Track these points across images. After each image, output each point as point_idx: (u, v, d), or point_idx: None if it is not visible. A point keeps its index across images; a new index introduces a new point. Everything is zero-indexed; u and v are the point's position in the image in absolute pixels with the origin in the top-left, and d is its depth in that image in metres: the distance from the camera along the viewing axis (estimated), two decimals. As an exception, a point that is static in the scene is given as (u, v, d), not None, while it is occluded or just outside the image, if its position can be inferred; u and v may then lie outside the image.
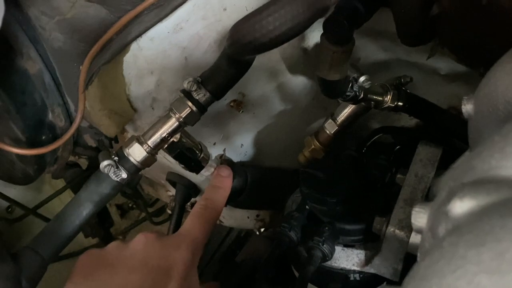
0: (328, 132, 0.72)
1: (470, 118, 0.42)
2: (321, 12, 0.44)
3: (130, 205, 1.14)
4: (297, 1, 0.41)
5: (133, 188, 0.95)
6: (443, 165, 0.56)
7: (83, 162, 0.93)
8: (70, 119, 0.63)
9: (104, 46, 0.54)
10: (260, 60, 0.53)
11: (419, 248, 0.33)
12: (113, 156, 0.53)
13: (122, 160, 0.53)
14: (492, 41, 0.42)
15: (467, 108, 0.41)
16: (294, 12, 0.42)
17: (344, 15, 0.49)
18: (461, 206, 0.24)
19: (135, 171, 0.53)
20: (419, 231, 0.32)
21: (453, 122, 0.67)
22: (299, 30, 0.44)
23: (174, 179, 0.74)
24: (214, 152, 0.74)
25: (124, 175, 0.53)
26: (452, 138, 0.68)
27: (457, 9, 0.42)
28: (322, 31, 0.52)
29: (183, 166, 0.58)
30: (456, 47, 0.49)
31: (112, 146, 0.74)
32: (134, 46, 0.56)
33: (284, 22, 0.42)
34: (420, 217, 0.31)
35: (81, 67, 0.55)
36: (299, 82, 0.73)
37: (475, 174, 0.26)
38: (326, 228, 0.53)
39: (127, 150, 0.53)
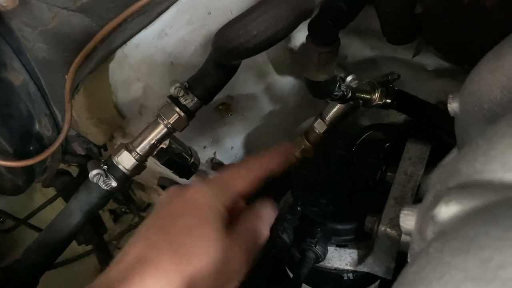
0: (317, 131, 0.72)
1: (456, 116, 0.42)
2: (305, 14, 0.44)
3: (123, 209, 1.14)
4: (281, 5, 0.41)
5: (125, 193, 0.94)
6: (434, 160, 0.56)
7: (74, 170, 0.93)
8: (57, 128, 0.62)
9: (89, 55, 0.53)
10: (247, 62, 0.53)
11: (409, 250, 0.33)
12: (102, 165, 0.52)
13: (111, 169, 0.52)
14: (475, 39, 0.43)
15: (453, 106, 0.41)
16: (278, 16, 0.41)
17: (329, 16, 0.49)
18: (446, 211, 0.24)
19: (125, 179, 0.53)
20: (408, 234, 0.32)
21: (442, 117, 0.67)
22: (284, 33, 0.44)
23: (165, 184, 0.74)
24: (205, 155, 0.74)
25: (113, 183, 0.52)
26: (441, 133, 0.68)
27: (439, 8, 0.43)
28: (307, 31, 0.52)
29: (173, 172, 0.58)
30: (440, 45, 0.49)
31: (101, 153, 0.73)
32: (119, 53, 0.56)
33: (268, 26, 0.42)
34: (408, 220, 0.31)
35: (66, 76, 0.54)
36: (287, 82, 0.73)
37: (460, 178, 0.26)
38: (319, 229, 0.53)
39: (116, 158, 0.52)
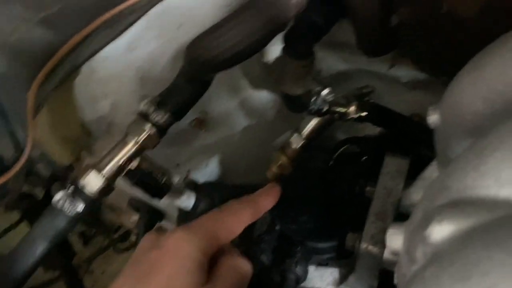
0: (294, 146, 0.71)
1: (436, 128, 0.41)
2: (279, 27, 0.43)
3: (92, 232, 1.09)
4: (255, 17, 0.40)
5: (93, 215, 0.90)
6: (411, 173, 0.56)
7: (39, 191, 0.88)
8: (19, 149, 0.58)
9: (53, 70, 0.50)
10: (221, 76, 0.51)
11: (396, 270, 0.32)
12: (67, 188, 0.49)
13: (77, 191, 0.49)
14: (452, 50, 0.42)
15: (433, 118, 0.40)
16: (253, 28, 0.40)
17: (303, 29, 0.48)
18: (440, 231, 0.22)
19: (91, 202, 0.50)
20: (395, 253, 0.31)
21: (417, 130, 0.67)
22: (259, 46, 0.42)
23: (136, 205, 0.70)
24: (178, 174, 0.71)
25: (80, 207, 0.49)
26: (417, 146, 0.68)
27: (416, 19, 0.42)
28: (282, 45, 0.51)
29: (144, 192, 0.55)
30: (417, 56, 0.49)
31: (67, 174, 0.70)
32: (85, 68, 0.53)
33: (242, 38, 0.41)
34: (395, 239, 0.30)
35: (28, 93, 0.51)
36: (262, 96, 0.71)
37: (450, 195, 0.24)
38: (298, 248, 0.52)
39: (82, 180, 0.49)
